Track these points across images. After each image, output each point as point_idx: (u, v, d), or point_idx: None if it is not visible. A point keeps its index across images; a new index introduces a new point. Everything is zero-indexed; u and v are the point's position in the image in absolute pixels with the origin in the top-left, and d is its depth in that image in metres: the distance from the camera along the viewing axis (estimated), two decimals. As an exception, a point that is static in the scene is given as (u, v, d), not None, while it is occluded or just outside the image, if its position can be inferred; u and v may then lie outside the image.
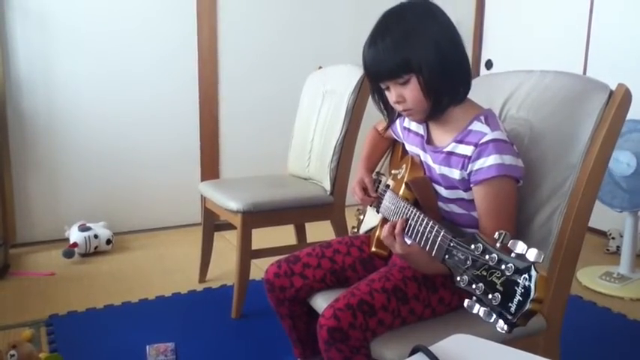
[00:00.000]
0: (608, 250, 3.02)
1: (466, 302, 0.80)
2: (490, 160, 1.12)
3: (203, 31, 3.31)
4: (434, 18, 1.17)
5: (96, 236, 2.87)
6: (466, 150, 1.16)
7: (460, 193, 1.21)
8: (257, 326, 2.14)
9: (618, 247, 2.92)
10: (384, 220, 1.30)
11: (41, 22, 2.94)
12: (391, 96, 1.21)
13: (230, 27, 3.38)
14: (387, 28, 1.17)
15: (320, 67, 2.59)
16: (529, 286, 0.72)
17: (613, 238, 3.02)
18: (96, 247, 2.88)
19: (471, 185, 1.17)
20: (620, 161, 2.43)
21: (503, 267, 0.76)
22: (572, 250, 1.22)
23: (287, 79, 3.45)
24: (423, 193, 1.24)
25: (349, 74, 2.27)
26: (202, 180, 3.30)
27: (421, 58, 1.13)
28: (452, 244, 0.91)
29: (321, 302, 1.34)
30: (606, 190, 2.50)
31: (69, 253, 2.77)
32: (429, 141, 1.28)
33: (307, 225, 2.61)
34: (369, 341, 1.16)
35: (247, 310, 2.20)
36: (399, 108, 1.22)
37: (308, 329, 1.45)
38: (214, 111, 3.42)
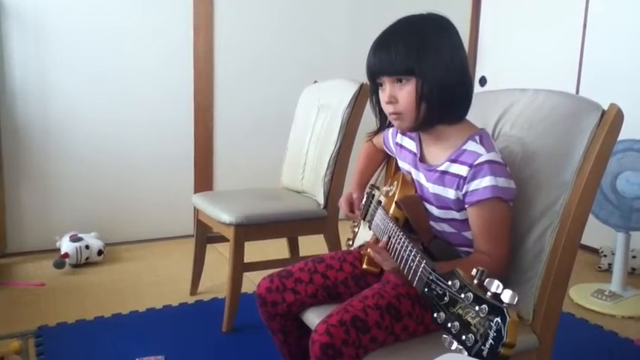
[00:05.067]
0: (599, 267, 3.03)
1: (443, 337, 0.80)
2: (485, 182, 1.13)
3: (199, 43, 3.32)
4: (449, 38, 1.18)
5: (87, 247, 2.85)
6: (461, 170, 1.16)
7: (453, 214, 1.21)
8: (248, 340, 2.12)
9: (610, 265, 2.93)
10: (375, 238, 1.30)
11: (36, 31, 2.94)
12: (384, 95, 1.20)
13: (226, 39, 3.39)
14: (403, 32, 1.18)
15: (315, 82, 2.60)
16: (501, 329, 0.71)
17: (605, 256, 3.03)
18: (87, 258, 2.86)
19: (466, 206, 1.17)
20: (632, 182, 2.41)
21: (477, 308, 0.75)
22: (564, 268, 1.22)
23: (282, 92, 3.47)
24: (413, 213, 1.23)
25: (344, 89, 2.28)
26: (196, 192, 3.29)
27: (427, 70, 1.13)
28: (431, 278, 0.90)
29: (313, 318, 1.33)
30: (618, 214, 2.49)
31: (60, 264, 2.75)
32: (422, 159, 1.28)
33: (300, 238, 2.60)
34: (361, 358, 1.15)
35: (238, 323, 2.18)
36: (389, 109, 1.21)
37: (299, 344, 1.44)
38: (209, 123, 3.42)
